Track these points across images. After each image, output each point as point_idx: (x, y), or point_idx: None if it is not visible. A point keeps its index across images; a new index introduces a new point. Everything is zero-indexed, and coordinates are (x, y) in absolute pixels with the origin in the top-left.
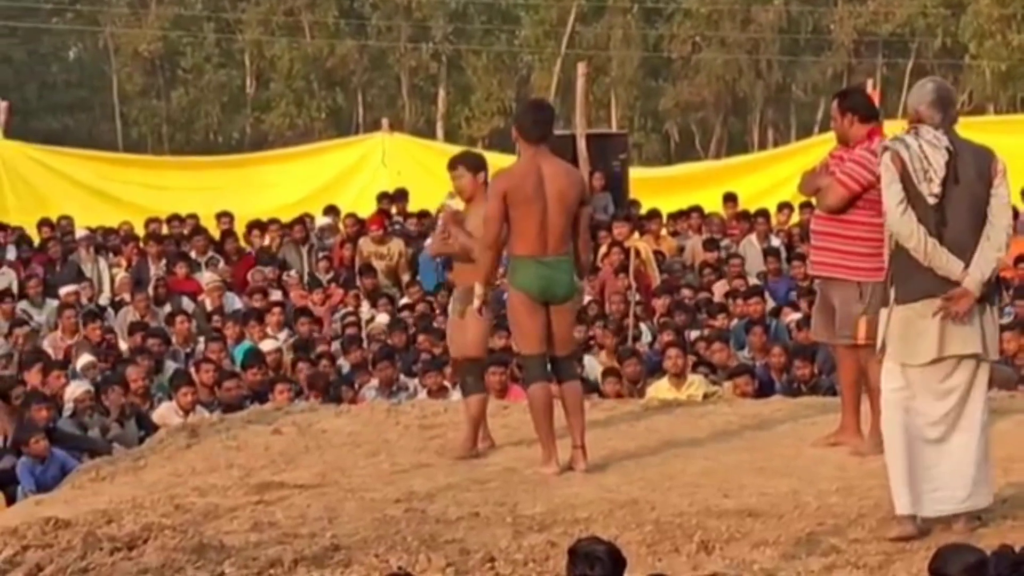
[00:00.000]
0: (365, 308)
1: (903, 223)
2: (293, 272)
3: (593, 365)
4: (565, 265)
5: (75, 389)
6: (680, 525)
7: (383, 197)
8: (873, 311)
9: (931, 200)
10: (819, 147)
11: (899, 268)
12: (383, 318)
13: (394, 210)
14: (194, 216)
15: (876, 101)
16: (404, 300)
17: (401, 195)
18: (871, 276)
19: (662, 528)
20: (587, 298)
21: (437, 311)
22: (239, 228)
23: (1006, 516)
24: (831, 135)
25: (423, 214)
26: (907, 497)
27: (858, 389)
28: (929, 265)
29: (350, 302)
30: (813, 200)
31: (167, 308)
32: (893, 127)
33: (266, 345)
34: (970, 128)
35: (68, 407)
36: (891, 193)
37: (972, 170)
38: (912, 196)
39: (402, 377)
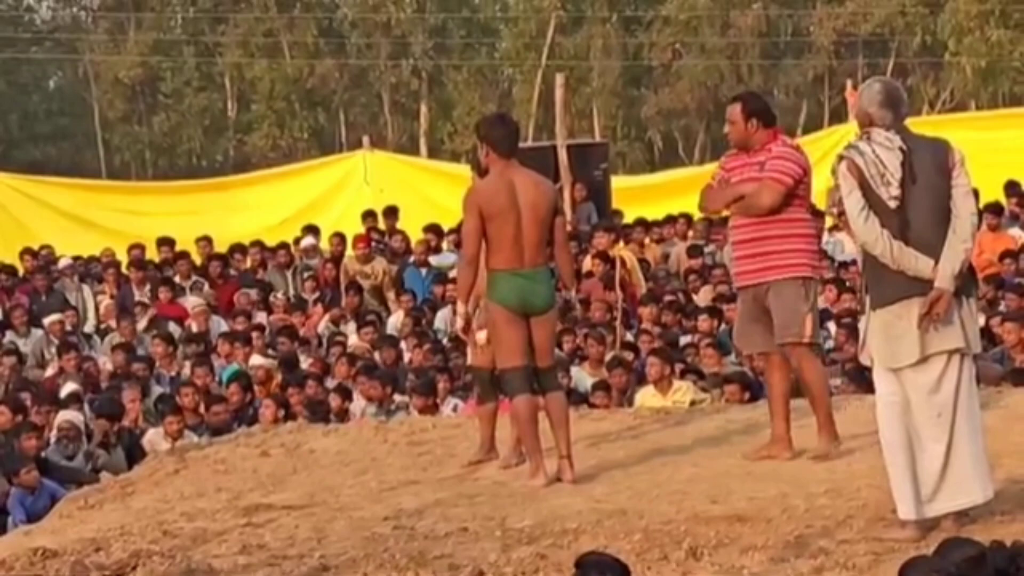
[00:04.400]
0: (350, 327)
1: (867, 230)
2: (280, 294)
3: (580, 376)
4: (543, 276)
5: (62, 417)
6: (669, 532)
7: (368, 215)
8: (816, 309)
9: (892, 204)
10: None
11: (871, 273)
12: (354, 339)
13: (384, 227)
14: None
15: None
16: (393, 317)
17: (391, 212)
18: (814, 272)
19: (651, 536)
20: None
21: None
22: (222, 251)
23: (994, 511)
24: (812, 136)
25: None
26: (910, 502)
27: (789, 398)
28: (898, 268)
29: (335, 321)
30: (725, 212)
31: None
32: None
33: (254, 361)
34: (951, 125)
35: (55, 435)
36: (852, 202)
37: (929, 166)
38: (872, 202)
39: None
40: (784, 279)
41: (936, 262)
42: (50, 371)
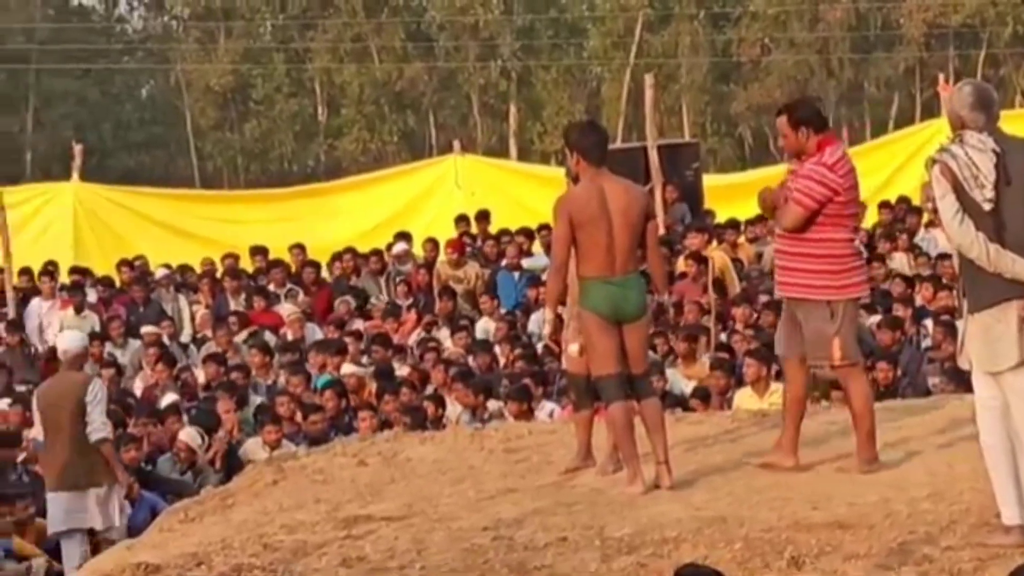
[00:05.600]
0: (444, 333)
1: (962, 234)
2: (380, 298)
3: (676, 378)
4: (634, 283)
5: (183, 434)
6: (770, 540)
7: (461, 219)
8: (846, 330)
9: (986, 206)
10: (895, 143)
11: (968, 277)
12: (448, 343)
13: (476, 230)
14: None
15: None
16: (481, 322)
17: (483, 216)
18: (840, 294)
19: (752, 545)
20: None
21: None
22: (316, 258)
23: None
24: (905, 131)
25: (501, 234)
26: (1014, 506)
27: (803, 406)
28: (995, 271)
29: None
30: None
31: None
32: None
33: (346, 369)
34: None
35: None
36: (946, 205)
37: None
38: (967, 205)
39: (490, 402)
40: (809, 300)
41: None
42: (138, 381)
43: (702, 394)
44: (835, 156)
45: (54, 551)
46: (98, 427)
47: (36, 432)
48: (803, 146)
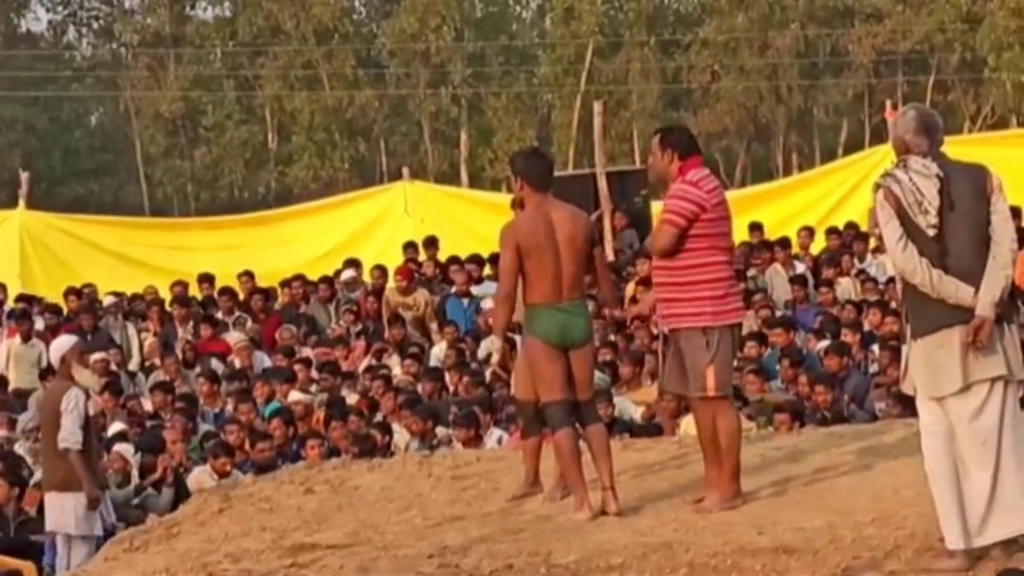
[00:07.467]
0: (394, 360)
1: (906, 259)
2: (335, 325)
3: (624, 404)
4: (581, 309)
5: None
6: (715, 566)
7: (409, 246)
8: (721, 360)
9: (930, 232)
10: (844, 169)
11: (911, 303)
12: (398, 370)
13: (424, 257)
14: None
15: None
16: (435, 348)
17: (432, 242)
18: (717, 320)
19: (696, 570)
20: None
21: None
22: (265, 285)
23: None
24: (853, 157)
25: (451, 261)
26: (958, 532)
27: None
28: (938, 296)
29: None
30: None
31: (197, 371)
32: None
33: (293, 396)
34: (986, 143)
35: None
36: (889, 231)
37: (967, 192)
38: (911, 230)
39: (438, 429)
40: (688, 328)
41: (976, 289)
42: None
43: (655, 429)
44: (698, 175)
45: None
46: (65, 436)
47: None
48: (667, 169)
